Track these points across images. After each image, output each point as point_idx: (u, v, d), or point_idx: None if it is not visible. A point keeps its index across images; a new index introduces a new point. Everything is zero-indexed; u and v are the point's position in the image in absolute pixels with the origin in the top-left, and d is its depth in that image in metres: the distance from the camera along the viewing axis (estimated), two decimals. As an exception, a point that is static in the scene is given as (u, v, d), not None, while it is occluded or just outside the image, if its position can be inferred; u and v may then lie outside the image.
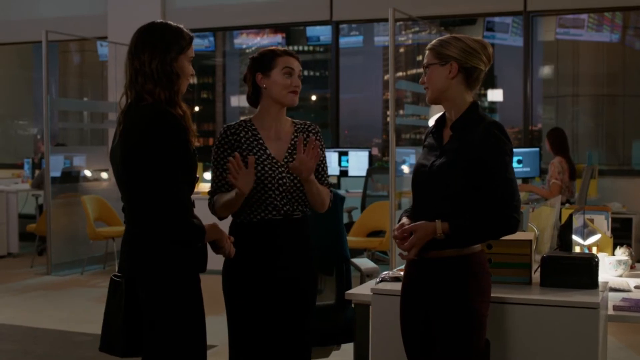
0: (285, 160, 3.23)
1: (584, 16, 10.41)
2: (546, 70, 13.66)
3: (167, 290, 2.74)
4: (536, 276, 3.27)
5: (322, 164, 3.31)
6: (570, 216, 3.72)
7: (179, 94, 2.83)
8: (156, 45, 2.78)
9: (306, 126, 3.34)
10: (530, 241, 3.24)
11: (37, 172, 10.47)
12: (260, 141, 3.23)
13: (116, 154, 2.81)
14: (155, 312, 2.74)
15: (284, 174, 3.20)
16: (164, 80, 2.77)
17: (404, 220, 2.92)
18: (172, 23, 2.88)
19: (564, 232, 3.69)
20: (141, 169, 2.70)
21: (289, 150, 3.26)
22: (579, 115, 13.10)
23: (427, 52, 2.92)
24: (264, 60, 3.27)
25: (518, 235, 3.28)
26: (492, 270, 2.93)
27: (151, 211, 2.70)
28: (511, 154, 2.81)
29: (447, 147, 2.87)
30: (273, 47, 3.31)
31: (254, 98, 3.33)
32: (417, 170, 2.94)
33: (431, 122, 3.04)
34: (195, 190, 9.45)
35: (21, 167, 11.25)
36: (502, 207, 2.75)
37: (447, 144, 2.88)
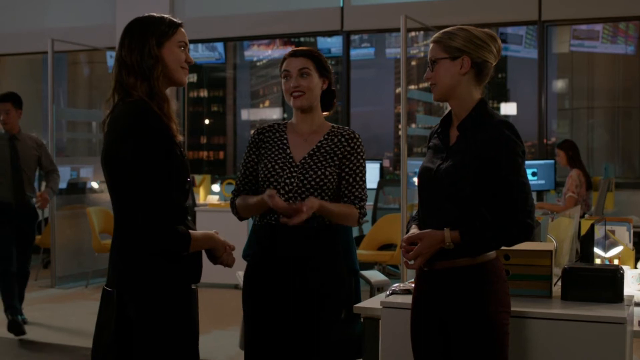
0: (302, 161, 3.12)
1: (599, 28, 10.25)
2: (560, 84, 13.48)
3: (154, 303, 2.55)
4: (556, 289, 3.09)
5: (353, 176, 3.15)
6: (592, 226, 3.53)
7: (160, 81, 2.62)
8: (134, 36, 2.62)
9: (341, 131, 3.21)
10: (550, 252, 3.06)
11: (43, 184, 10.35)
12: (284, 141, 3.16)
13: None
14: (143, 327, 2.55)
15: (294, 174, 3.08)
16: (143, 70, 2.58)
17: (413, 229, 2.75)
18: (156, 14, 2.71)
19: (585, 243, 3.51)
20: (119, 170, 2.52)
21: (310, 152, 3.14)
22: (594, 128, 12.92)
23: (431, 45, 2.73)
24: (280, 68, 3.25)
25: (537, 246, 3.12)
26: (510, 283, 2.75)
27: (131, 216, 2.52)
28: (523, 155, 2.62)
29: (454, 148, 2.68)
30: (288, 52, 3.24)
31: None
32: (422, 174, 2.75)
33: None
34: (202, 202, 9.24)
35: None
36: (515, 212, 2.56)
37: (454, 145, 2.69)
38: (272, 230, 3.09)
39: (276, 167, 3.10)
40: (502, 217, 2.57)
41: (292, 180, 3.08)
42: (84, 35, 10.48)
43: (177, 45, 2.66)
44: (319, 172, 3.10)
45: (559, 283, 3.11)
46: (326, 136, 3.18)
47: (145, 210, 2.48)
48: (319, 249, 3.09)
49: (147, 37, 2.61)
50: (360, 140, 3.19)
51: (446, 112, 2.81)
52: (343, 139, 3.17)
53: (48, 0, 11.36)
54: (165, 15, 2.68)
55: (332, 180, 3.10)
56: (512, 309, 2.69)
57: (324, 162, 3.12)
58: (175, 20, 2.68)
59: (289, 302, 3.08)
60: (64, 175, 9.13)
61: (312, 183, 3.08)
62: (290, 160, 3.12)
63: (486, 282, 2.61)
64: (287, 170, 3.09)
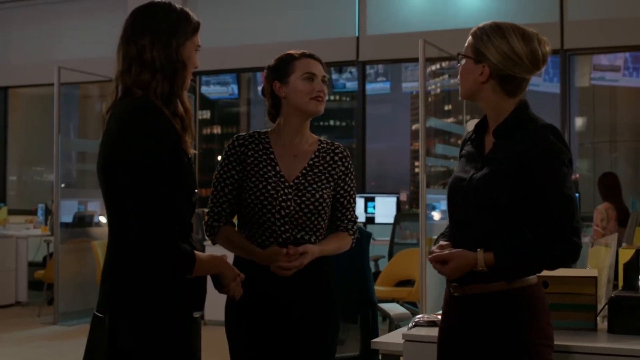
0: (296, 181, 2.82)
1: (620, 61, 9.98)
2: (581, 121, 13.20)
3: (148, 332, 2.24)
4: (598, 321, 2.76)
5: (347, 198, 2.90)
6: (637, 253, 3.19)
7: (183, 87, 2.34)
8: (160, 27, 2.30)
9: (332, 147, 2.93)
10: (594, 278, 2.73)
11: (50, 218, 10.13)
12: (271, 156, 2.83)
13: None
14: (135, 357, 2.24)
15: (289, 196, 2.78)
16: (168, 70, 2.29)
17: (443, 243, 2.42)
18: (174, 4, 2.40)
19: (629, 271, 3.16)
20: (118, 175, 2.21)
21: (304, 171, 2.84)
22: (617, 163, 12.62)
23: (470, 35, 2.43)
24: (280, 67, 2.88)
25: (580, 272, 2.79)
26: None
27: (127, 229, 2.20)
28: (570, 165, 2.29)
29: (490, 156, 2.36)
30: (291, 51, 2.91)
31: (274, 112, 2.93)
32: (454, 184, 2.43)
33: (470, 127, 2.54)
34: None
35: (35, 213, 10.92)
36: (560, 229, 2.23)
37: (489, 152, 2.38)
38: (256, 268, 2.77)
39: (268, 187, 2.78)
40: (545, 235, 2.24)
41: (289, 203, 2.78)
42: (94, 66, 10.33)
43: (195, 48, 2.38)
44: (317, 195, 2.82)
45: (600, 315, 2.79)
46: (317, 153, 2.90)
47: (143, 221, 2.16)
48: (306, 291, 2.80)
49: (175, 33, 2.31)
50: (350, 156, 2.95)
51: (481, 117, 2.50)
52: (337, 157, 2.91)
53: (59, 32, 11.26)
54: (190, 12, 2.39)
55: (328, 202, 2.85)
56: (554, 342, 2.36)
57: (319, 183, 2.85)
58: (196, 18, 2.40)
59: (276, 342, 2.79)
60: (71, 208, 8.89)
61: (311, 207, 2.80)
62: (282, 179, 2.82)
63: (526, 310, 2.27)
64: (281, 192, 2.79)
